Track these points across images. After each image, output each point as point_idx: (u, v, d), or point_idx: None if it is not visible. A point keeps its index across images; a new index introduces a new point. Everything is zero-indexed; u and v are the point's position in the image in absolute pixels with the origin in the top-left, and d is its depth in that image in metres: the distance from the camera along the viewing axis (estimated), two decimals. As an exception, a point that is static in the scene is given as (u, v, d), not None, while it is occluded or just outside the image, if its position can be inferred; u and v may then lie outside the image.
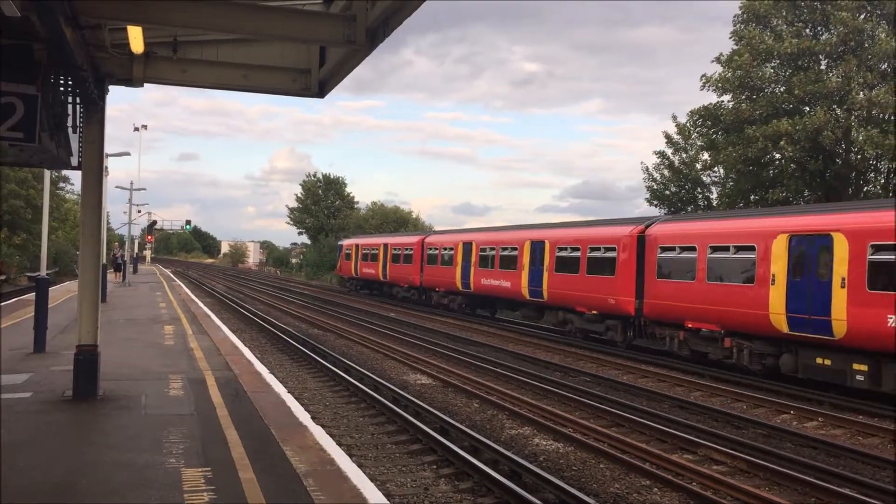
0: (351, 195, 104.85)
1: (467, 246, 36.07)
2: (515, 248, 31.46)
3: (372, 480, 9.22)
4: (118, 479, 7.73)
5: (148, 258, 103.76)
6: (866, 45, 25.63)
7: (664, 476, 10.79)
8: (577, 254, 26.93)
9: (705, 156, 34.47)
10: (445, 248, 38.72)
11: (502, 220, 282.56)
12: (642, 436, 13.69)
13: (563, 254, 27.84)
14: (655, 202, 38.73)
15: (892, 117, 25.51)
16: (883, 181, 28.57)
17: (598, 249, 25.93)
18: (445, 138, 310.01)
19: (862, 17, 25.96)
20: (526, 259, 30.29)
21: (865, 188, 28.73)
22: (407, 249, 44.36)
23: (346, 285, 59.06)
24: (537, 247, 29.63)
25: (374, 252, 50.25)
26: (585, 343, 27.22)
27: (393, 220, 77.86)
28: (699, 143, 35.57)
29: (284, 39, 10.53)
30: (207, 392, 12.65)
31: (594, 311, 26.21)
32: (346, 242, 59.02)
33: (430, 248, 41.02)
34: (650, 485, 10.59)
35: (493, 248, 33.60)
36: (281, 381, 15.09)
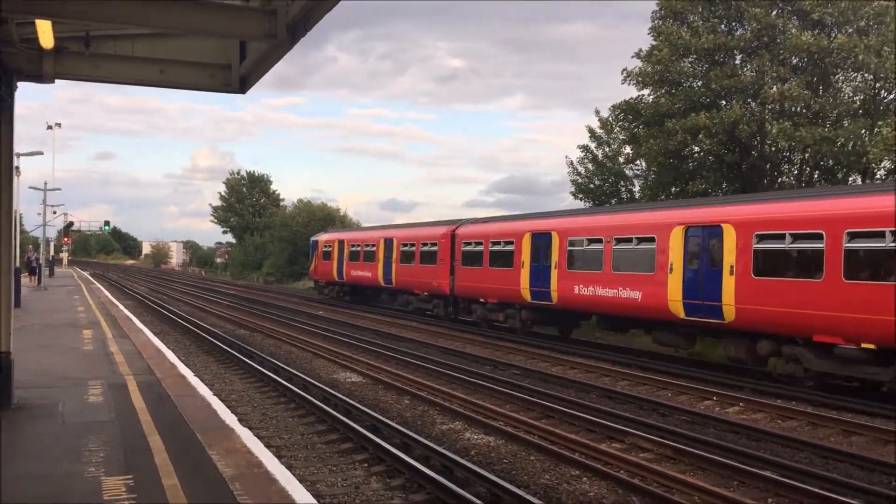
0: (276, 193, 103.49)
1: (541, 239, 26.17)
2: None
3: (302, 481, 9.09)
4: (35, 492, 7.42)
5: (65, 261, 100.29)
6: (778, 41, 26.45)
7: (593, 465, 10.95)
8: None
9: (627, 149, 35.11)
10: (501, 242, 28.62)
11: (429, 216, 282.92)
12: (571, 426, 13.87)
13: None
14: (580, 195, 39.28)
15: (804, 110, 26.43)
16: (796, 172, 29.56)
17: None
18: (370, 135, 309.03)
19: (774, 13, 26.78)
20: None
21: (780, 179, 29.67)
22: (426, 245, 34.29)
23: (324, 292, 48.43)
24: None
25: (369, 249, 40.20)
26: (515, 336, 27.47)
27: (320, 217, 77.05)
28: (621, 136, 36.20)
29: (202, 34, 10.25)
30: (129, 397, 12.28)
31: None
32: (323, 238, 48.50)
33: (470, 243, 30.86)
34: (579, 474, 10.73)
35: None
36: (207, 384, 14.77)
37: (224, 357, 21.84)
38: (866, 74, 26.32)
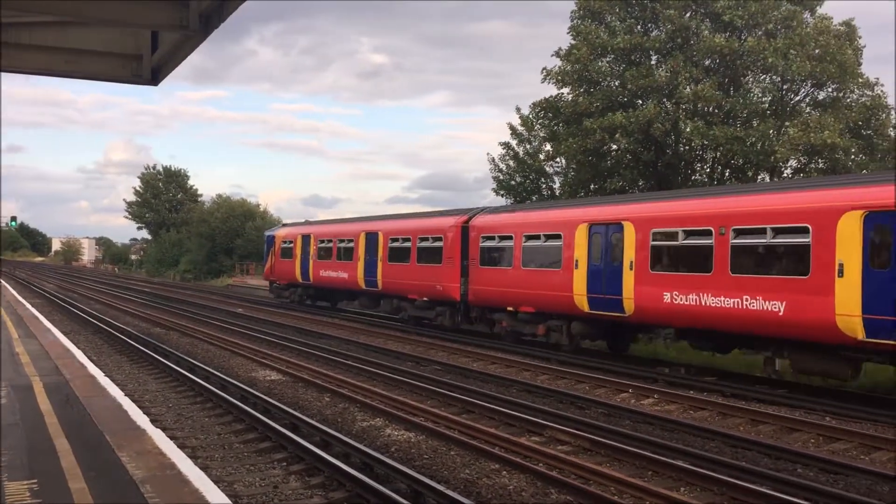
0: (194, 188, 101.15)
1: (605, 231, 20.73)
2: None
3: (218, 482, 8.93)
4: (-70, 500, 7.06)
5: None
6: (692, 42, 27.22)
7: (512, 459, 11.05)
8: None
9: (548, 147, 35.61)
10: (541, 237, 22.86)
11: (352, 212, 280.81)
12: (492, 421, 13.97)
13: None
14: (502, 192, 39.63)
15: (716, 110, 27.27)
16: (708, 170, 30.50)
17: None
18: (293, 130, 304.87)
19: (688, 15, 27.55)
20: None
21: (693, 177, 30.57)
22: (427, 240, 28.13)
23: (283, 295, 41.63)
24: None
25: (345, 245, 33.54)
26: (437, 332, 27.51)
27: (240, 213, 75.67)
28: (542, 134, 36.70)
29: (111, 23, 9.90)
30: (34, 399, 11.81)
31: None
32: (282, 232, 41.37)
33: (492, 237, 24.94)
34: (499, 468, 10.81)
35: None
36: (118, 385, 14.34)
37: (138, 356, 21.23)
38: (774, 76, 27.31)
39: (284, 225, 45.76)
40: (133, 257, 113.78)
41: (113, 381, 14.35)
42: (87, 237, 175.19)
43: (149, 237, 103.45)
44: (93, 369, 15.15)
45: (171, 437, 11.00)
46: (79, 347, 19.63)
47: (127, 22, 9.09)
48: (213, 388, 16.00)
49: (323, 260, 35.48)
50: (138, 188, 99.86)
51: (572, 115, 29.74)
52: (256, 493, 9.62)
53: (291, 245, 38.73)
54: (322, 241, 35.62)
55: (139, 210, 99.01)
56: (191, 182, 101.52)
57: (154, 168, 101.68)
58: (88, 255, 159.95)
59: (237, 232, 74.87)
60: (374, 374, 18.75)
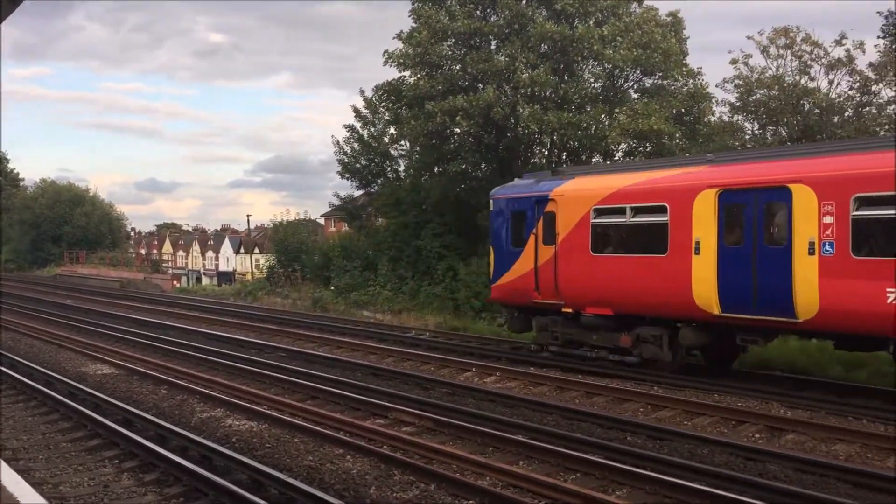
0: (15, 172, 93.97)
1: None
2: None
3: (42, 484, 8.40)
4: None
5: None
6: (528, 29, 27.91)
7: (357, 443, 11.02)
8: None
9: (392, 130, 35.62)
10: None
11: (191, 197, 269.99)
12: (337, 406, 13.89)
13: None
14: (347, 175, 39.34)
15: (552, 95, 28.13)
16: (546, 153, 31.50)
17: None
18: (126, 110, 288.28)
19: (524, 2, 28.23)
20: None
21: (532, 160, 31.48)
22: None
23: (544, 337, 18.39)
24: None
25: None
26: (279, 317, 27.05)
27: (67, 199, 71.15)
28: (386, 117, 36.65)
29: None
30: None
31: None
32: (559, 189, 17.81)
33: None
34: (343, 453, 10.75)
35: None
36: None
37: (-49, 355, 19.56)
38: (605, 63, 28.48)
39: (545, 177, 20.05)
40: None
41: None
42: None
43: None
44: None
45: (-12, 441, 10.22)
46: None
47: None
48: (38, 385, 15.00)
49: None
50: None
51: (415, 99, 29.84)
52: (85, 494, 9.11)
53: (576, 217, 17.42)
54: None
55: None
56: (11, 165, 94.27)
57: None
58: None
59: (65, 219, 70.54)
60: (216, 363, 18.20)
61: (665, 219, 15.23)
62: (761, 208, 14.04)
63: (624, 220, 16.17)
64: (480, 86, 28.76)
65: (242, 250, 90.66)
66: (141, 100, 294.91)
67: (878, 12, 24.15)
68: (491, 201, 19.67)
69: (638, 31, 27.03)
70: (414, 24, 30.04)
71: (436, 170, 34.35)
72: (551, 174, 18.95)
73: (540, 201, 17.84)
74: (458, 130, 29.85)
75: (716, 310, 14.42)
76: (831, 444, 11.09)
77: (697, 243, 14.70)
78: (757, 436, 11.74)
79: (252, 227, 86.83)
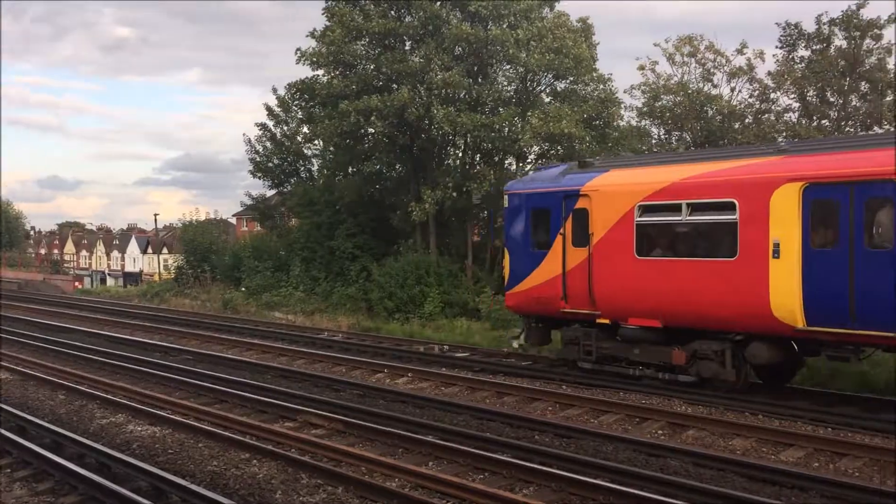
0: None
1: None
2: None
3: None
4: None
5: None
6: (443, 30, 27.99)
7: (264, 447, 10.83)
8: None
9: (305, 129, 35.17)
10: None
11: (96, 195, 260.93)
12: (244, 409, 13.63)
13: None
14: (259, 175, 38.68)
15: (465, 97, 28.27)
16: (460, 154, 31.66)
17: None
18: (26, 105, 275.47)
19: (438, 3, 28.28)
20: None
21: (447, 161, 31.60)
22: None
23: (571, 350, 16.21)
24: None
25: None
26: (186, 319, 26.39)
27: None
28: (299, 116, 36.17)
29: None
30: None
31: None
32: (592, 183, 15.59)
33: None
34: (249, 457, 10.54)
35: None
36: None
37: None
38: (518, 66, 28.80)
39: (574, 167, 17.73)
40: None
41: None
42: None
43: None
44: None
45: None
46: None
47: None
48: (-77, 392, 14.22)
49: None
50: None
51: (328, 98, 29.58)
52: (-28, 507, 8.66)
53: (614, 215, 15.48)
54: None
55: None
56: None
57: None
58: None
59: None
60: (118, 367, 17.63)
61: (733, 217, 13.14)
62: (860, 205, 11.95)
63: (679, 218, 13.93)
64: (395, 86, 28.69)
65: (150, 250, 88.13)
66: (43, 94, 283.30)
67: (776, 23, 25.23)
68: (505, 197, 17.21)
69: (550, 35, 27.43)
70: (328, 23, 29.76)
71: (350, 170, 34.12)
72: (578, 166, 16.54)
73: (569, 197, 15.61)
74: (372, 130, 29.71)
75: (799, 322, 12.37)
76: (729, 439, 11.48)
77: (776, 245, 12.63)
78: (660, 432, 12.06)
79: (160, 226, 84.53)
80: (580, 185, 15.59)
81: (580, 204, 15.42)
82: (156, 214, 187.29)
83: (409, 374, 16.92)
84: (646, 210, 14.41)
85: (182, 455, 10.74)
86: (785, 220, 12.58)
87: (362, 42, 29.93)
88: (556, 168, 17.18)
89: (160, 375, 16.43)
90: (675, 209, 14.02)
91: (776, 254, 12.66)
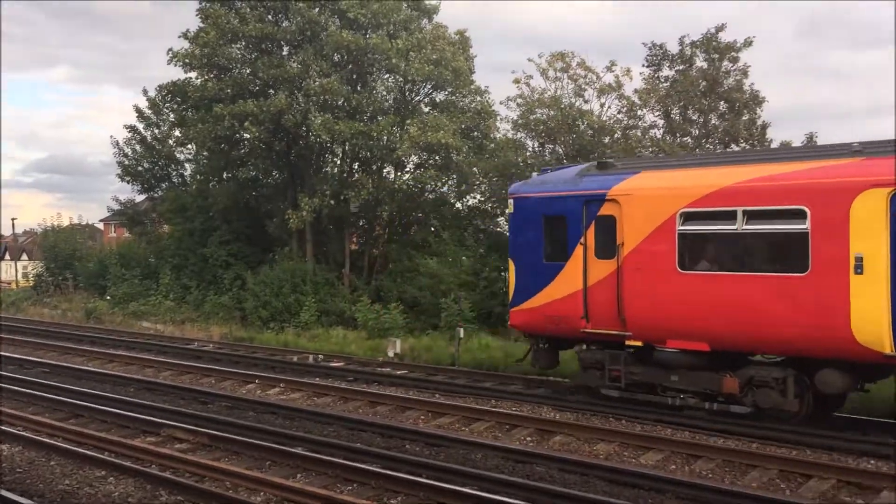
0: None
1: None
2: None
3: None
4: None
5: None
6: (321, 37, 27.72)
7: (122, 463, 10.35)
8: None
9: (177, 132, 34.04)
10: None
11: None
12: (104, 424, 13.01)
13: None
14: (128, 178, 37.15)
15: (344, 104, 28.08)
16: (339, 162, 31.42)
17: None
18: None
19: (317, 10, 27.98)
20: None
21: (325, 169, 31.28)
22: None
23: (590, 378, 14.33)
24: None
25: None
26: (45, 330, 25.00)
27: None
28: (171, 118, 34.98)
29: None
30: None
31: None
32: (607, 188, 13.83)
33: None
34: (105, 475, 10.04)
35: None
36: None
37: None
38: (398, 76, 28.88)
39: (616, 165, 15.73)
40: None
41: None
42: None
43: None
44: None
45: None
46: None
47: None
48: None
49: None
50: None
51: (201, 101, 28.75)
52: None
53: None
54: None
55: None
56: None
57: None
58: None
59: None
60: (-36, 381, 16.45)
61: (804, 227, 11.57)
62: None
63: (733, 227, 12.24)
64: (272, 91, 28.21)
65: (7, 256, 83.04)
66: None
67: (643, 43, 26.33)
68: (511, 201, 15.18)
69: (430, 46, 27.65)
70: (202, 24, 28.96)
71: (224, 175, 33.32)
72: (597, 168, 14.64)
73: (593, 202, 13.73)
74: (247, 136, 29.10)
75: (888, 348, 10.93)
76: (594, 443, 11.81)
77: (859, 260, 11.12)
78: (528, 439, 12.28)
79: (20, 231, 79.76)
80: (606, 188, 13.65)
81: (606, 210, 13.58)
82: (13, 219, 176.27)
83: (282, 385, 16.59)
84: (690, 217, 12.70)
85: (31, 474, 10.11)
86: (869, 230, 11.10)
87: (238, 45, 29.30)
88: (570, 169, 15.32)
89: (12, 390, 15.46)
90: (728, 217, 12.35)
91: (859, 269, 11.16)
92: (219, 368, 18.40)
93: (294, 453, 10.90)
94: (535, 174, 17.10)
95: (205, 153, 32.92)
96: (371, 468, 10.06)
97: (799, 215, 11.67)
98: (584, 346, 14.40)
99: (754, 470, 10.40)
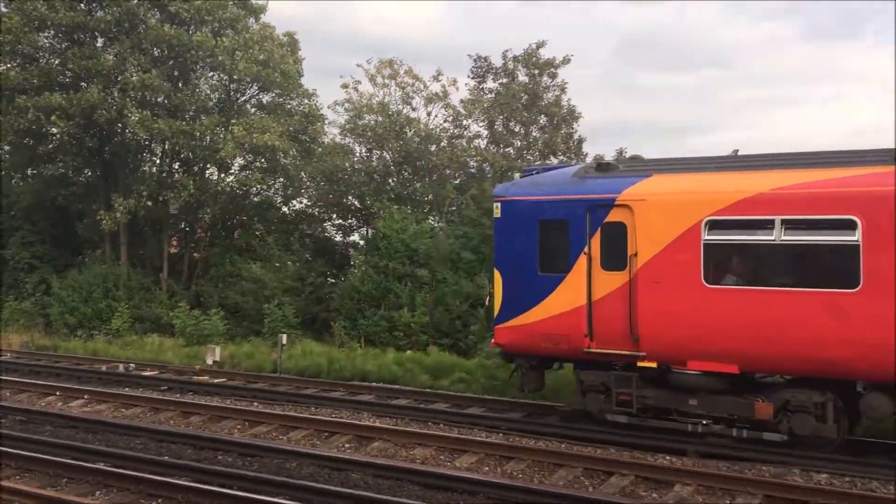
0: None
1: None
2: None
3: None
4: None
5: None
6: (140, 29, 26.38)
7: None
8: None
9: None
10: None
11: None
12: None
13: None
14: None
15: (165, 101, 26.86)
16: (158, 161, 29.99)
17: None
18: None
19: (135, 1, 26.59)
20: None
21: (142, 167, 29.75)
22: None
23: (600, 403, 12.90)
24: None
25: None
26: None
27: None
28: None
29: None
30: None
31: None
32: (616, 192, 12.52)
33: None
34: None
35: None
36: None
37: None
38: (223, 74, 27.96)
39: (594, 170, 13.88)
40: None
41: None
42: None
43: None
44: None
45: None
46: None
47: None
48: None
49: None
50: None
51: (3, 91, 26.59)
52: None
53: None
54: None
55: None
56: None
57: None
58: None
59: None
60: None
61: (853, 239, 10.56)
62: None
63: (770, 238, 11.12)
64: (84, 84, 26.53)
65: None
66: None
67: (468, 55, 26.98)
68: (498, 205, 13.45)
69: (257, 47, 26.97)
70: (5, 9, 26.82)
71: (29, 171, 30.94)
72: (596, 169, 13.19)
73: (599, 207, 12.34)
74: (55, 130, 27.20)
75: None
76: (411, 448, 11.89)
77: None
78: (346, 445, 12.20)
79: None
80: (615, 192, 12.29)
81: (614, 216, 12.23)
82: None
83: (86, 396, 15.58)
84: (718, 226, 11.49)
85: None
86: None
87: (46, 34, 27.35)
88: (565, 169, 13.90)
89: None
90: (764, 226, 11.22)
91: None
92: (15, 380, 17.02)
93: (94, 469, 10.29)
94: (517, 175, 15.73)
95: (6, 147, 30.46)
96: (179, 482, 9.63)
97: (849, 226, 10.66)
98: (575, 367, 13.08)
99: (561, 469, 10.84)
